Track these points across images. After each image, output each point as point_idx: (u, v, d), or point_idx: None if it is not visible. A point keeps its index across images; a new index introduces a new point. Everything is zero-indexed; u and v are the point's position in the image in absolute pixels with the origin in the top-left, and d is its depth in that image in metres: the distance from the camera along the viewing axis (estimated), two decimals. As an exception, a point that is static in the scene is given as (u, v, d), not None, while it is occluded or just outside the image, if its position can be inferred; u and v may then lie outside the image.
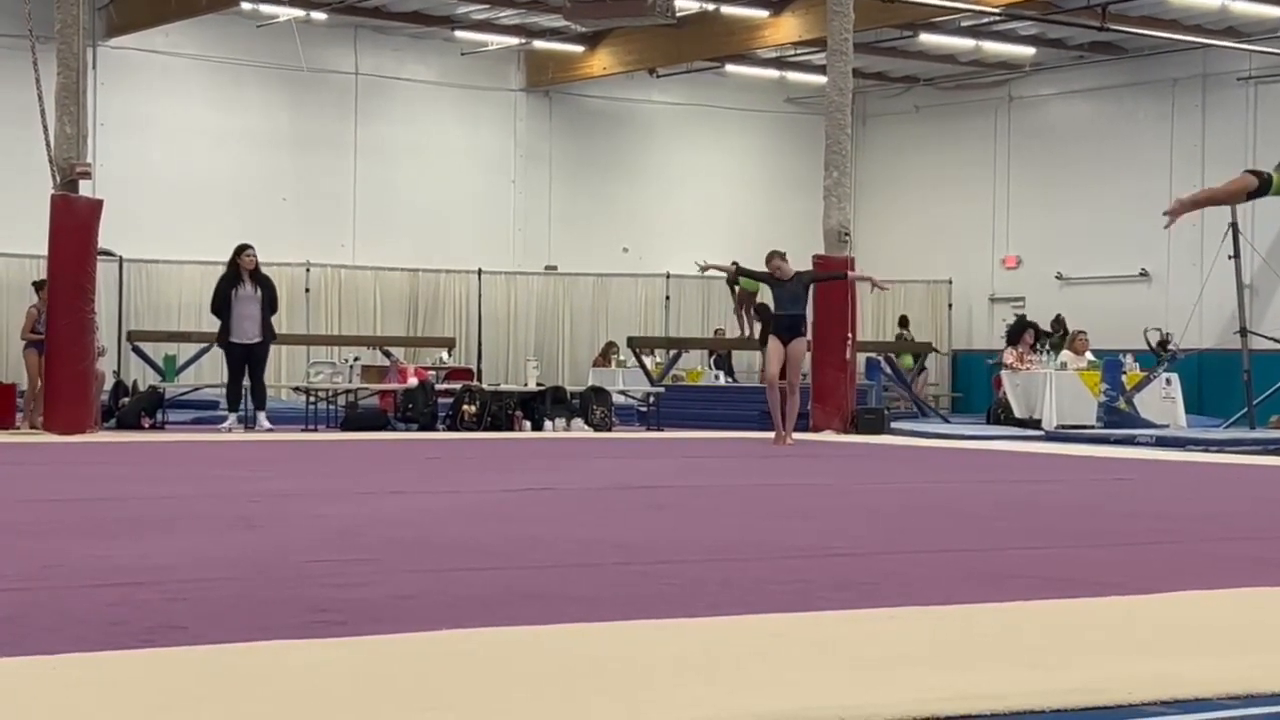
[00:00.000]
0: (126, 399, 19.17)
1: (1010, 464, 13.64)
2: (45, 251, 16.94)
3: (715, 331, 28.47)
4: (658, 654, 3.85)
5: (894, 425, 19.93)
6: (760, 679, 3.54)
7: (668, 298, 29.47)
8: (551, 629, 4.17)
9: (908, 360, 28.43)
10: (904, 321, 29.53)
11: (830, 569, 5.76)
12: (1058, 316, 25.34)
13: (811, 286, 16.97)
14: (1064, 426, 19.18)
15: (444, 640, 3.99)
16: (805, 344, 16.83)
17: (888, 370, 24.07)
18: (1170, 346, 21.81)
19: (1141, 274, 28.13)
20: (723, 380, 25.86)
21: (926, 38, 27.33)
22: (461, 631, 4.10)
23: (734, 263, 18.23)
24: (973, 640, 4.13)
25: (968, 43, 27.89)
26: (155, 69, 26.31)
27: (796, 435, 16.85)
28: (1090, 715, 3.28)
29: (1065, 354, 21.47)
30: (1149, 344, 20.78)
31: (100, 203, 16.90)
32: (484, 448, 15.32)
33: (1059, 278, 29.08)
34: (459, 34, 27.77)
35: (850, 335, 19.36)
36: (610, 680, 3.51)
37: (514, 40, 28.16)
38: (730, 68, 29.47)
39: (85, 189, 16.94)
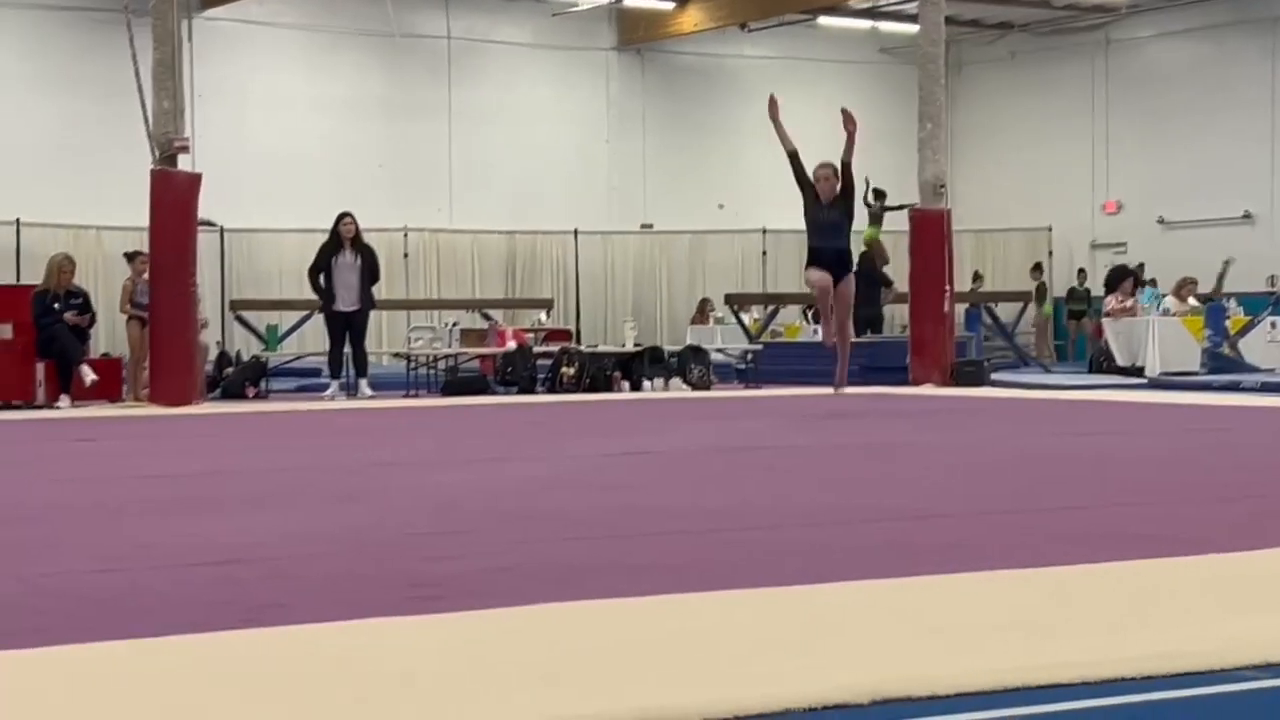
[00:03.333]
0: (230, 369, 19.40)
1: (1109, 415, 13.52)
2: (146, 224, 17.13)
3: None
4: (745, 625, 3.87)
5: (994, 376, 19.81)
6: (846, 649, 3.55)
7: (764, 253, 29.40)
8: (641, 601, 4.19)
9: (1048, 309, 28.49)
10: (1039, 268, 29.32)
11: (921, 532, 5.75)
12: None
13: (850, 198, 14.03)
14: (1167, 373, 18.98)
15: (538, 614, 4.03)
16: (853, 280, 14.07)
17: (988, 320, 23.97)
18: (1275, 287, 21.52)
19: (1245, 216, 27.76)
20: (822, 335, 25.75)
21: (1021, -17, 27.06)
22: (556, 605, 4.14)
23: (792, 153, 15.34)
24: (1062, 604, 4.11)
25: (1063, -14, 27.59)
26: (249, 39, 26.53)
27: (850, 389, 15.13)
28: (1182, 681, 3.26)
29: (1169, 299, 21.22)
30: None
31: (199, 176, 17.04)
32: (583, 410, 15.39)
33: (1160, 222, 28.74)
34: (549, -6, 27.81)
35: (948, 286, 19.26)
36: (696, 652, 3.53)
37: (604, -1, 28.16)
38: (822, 20, 29.32)
39: (184, 162, 17.12)
